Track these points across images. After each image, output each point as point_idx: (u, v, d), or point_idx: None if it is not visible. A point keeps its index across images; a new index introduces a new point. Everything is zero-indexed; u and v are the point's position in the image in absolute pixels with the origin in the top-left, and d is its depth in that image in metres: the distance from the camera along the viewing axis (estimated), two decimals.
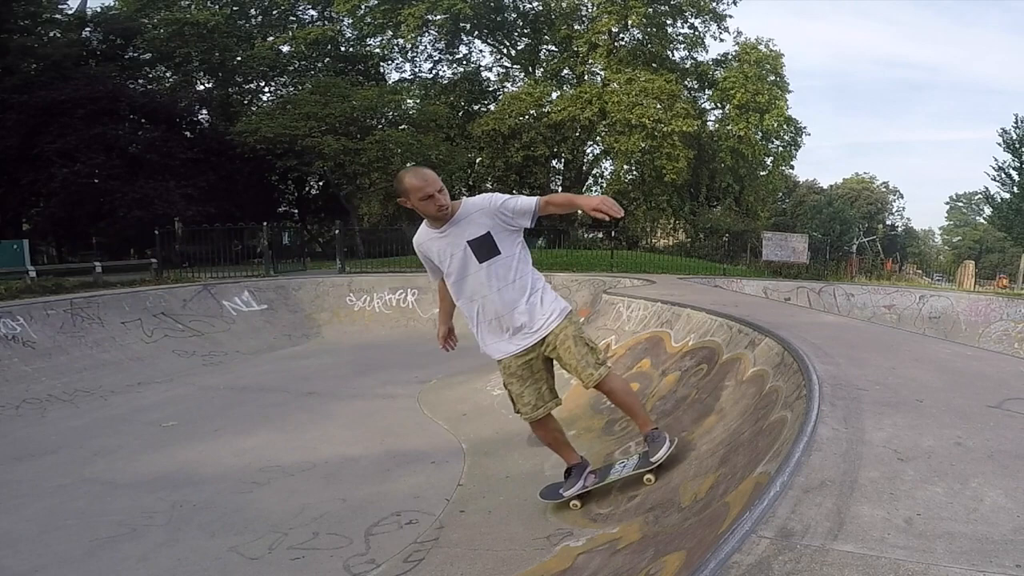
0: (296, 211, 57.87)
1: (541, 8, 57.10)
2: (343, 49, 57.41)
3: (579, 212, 66.01)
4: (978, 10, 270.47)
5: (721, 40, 65.65)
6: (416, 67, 60.65)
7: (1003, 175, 60.99)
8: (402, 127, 49.40)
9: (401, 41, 56.62)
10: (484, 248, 6.44)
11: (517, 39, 60.04)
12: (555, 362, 7.07)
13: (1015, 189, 60.01)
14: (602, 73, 54.43)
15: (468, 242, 6.42)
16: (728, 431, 7.27)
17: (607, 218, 6.03)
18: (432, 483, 9.18)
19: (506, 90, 59.56)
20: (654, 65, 53.84)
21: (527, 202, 6.47)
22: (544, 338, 6.74)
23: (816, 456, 4.81)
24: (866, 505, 4.12)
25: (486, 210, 6.44)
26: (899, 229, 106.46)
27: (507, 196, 6.54)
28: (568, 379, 12.80)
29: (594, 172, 65.24)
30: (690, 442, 7.88)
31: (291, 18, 56.39)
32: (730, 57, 57.45)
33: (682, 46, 57.73)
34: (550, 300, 6.82)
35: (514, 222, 6.51)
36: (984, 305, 25.19)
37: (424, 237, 6.70)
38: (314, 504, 8.52)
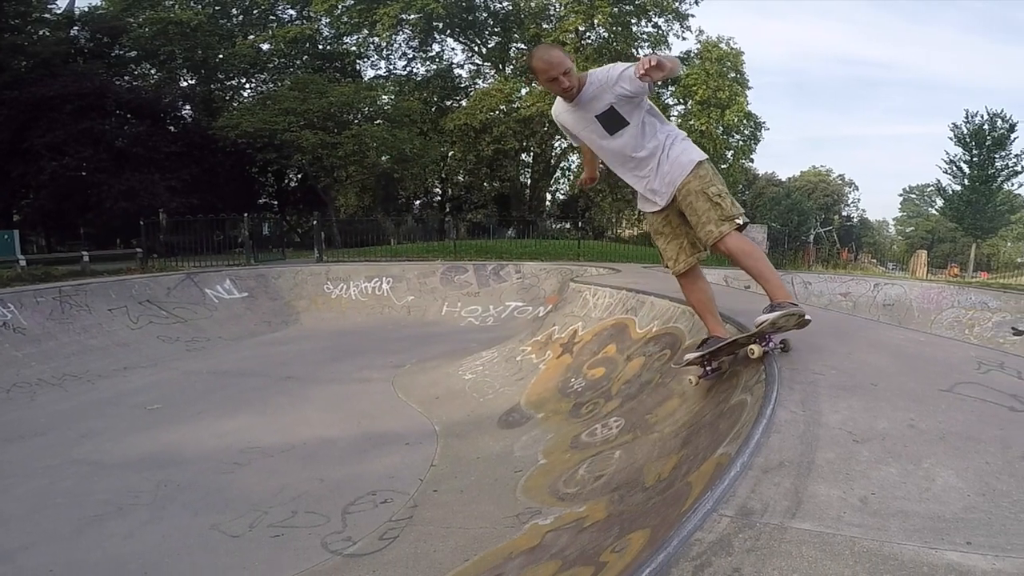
0: (275, 202, 57.72)
1: (511, 8, 57.06)
2: (321, 47, 57.34)
3: (547, 204, 66.19)
4: (932, 9, 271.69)
5: (683, 38, 65.74)
6: (391, 64, 60.56)
7: (954, 168, 61.79)
8: (377, 122, 49.69)
9: (376, 39, 56.38)
10: (611, 121, 6.33)
11: (488, 37, 59.90)
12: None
13: (966, 182, 60.73)
14: None
15: (596, 116, 6.33)
16: (690, 414, 7.30)
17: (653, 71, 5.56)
18: (406, 464, 9.21)
19: (477, 86, 59.49)
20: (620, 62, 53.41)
21: (630, 70, 6.05)
22: (674, 196, 6.44)
23: (775, 438, 4.84)
24: (823, 485, 4.16)
25: (605, 85, 6.22)
26: (854, 220, 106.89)
27: (625, 66, 6.16)
28: (536, 364, 12.91)
29: (562, 165, 65.37)
30: (654, 424, 7.90)
31: (271, 17, 56.22)
32: (692, 55, 57.49)
33: (646, 44, 57.70)
34: (675, 155, 6.41)
35: (632, 89, 6.13)
36: (936, 293, 25.29)
37: (559, 109, 6.70)
38: (293, 484, 8.55)
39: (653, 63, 5.51)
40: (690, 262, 6.73)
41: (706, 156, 6.53)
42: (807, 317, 6.64)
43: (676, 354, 9.71)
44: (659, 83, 6.55)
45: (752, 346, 6.60)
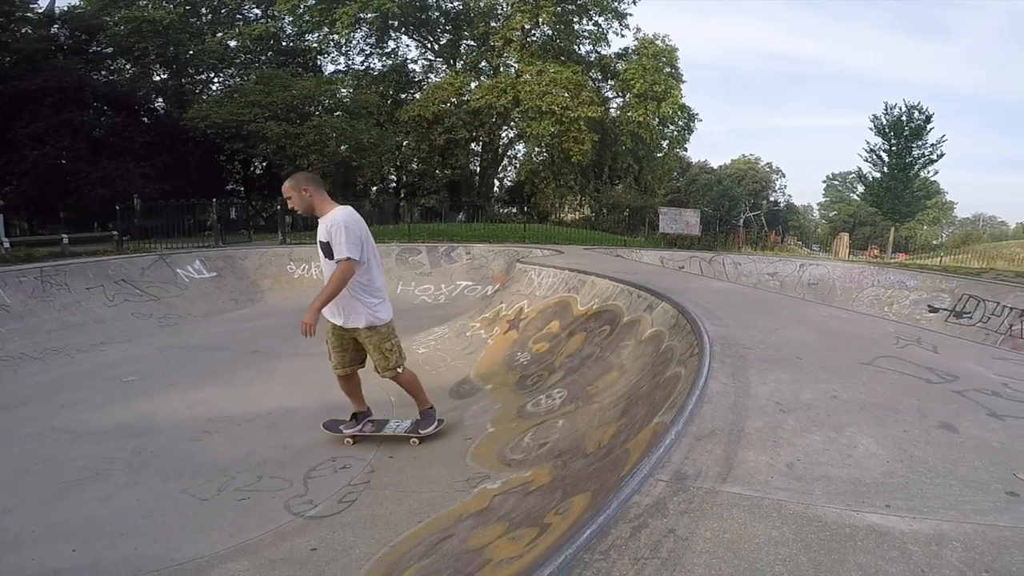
0: (242, 188, 57.40)
1: (461, 7, 57.24)
2: (284, 44, 57.20)
3: (496, 190, 66.61)
4: (854, 9, 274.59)
5: (622, 36, 66.46)
6: (349, 60, 60.62)
7: (874, 157, 62.33)
8: (337, 113, 49.74)
9: (336, 37, 56.38)
10: (325, 250, 7.87)
11: (440, 35, 60.07)
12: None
13: (885, 169, 61.37)
14: (516, 65, 54.58)
15: (319, 240, 7.90)
16: (628, 385, 7.30)
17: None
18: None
19: (430, 80, 59.70)
20: (562, 58, 54.28)
21: (339, 252, 7.61)
22: (349, 329, 8.17)
23: (707, 408, 4.83)
24: (752, 451, 4.15)
25: (326, 229, 7.80)
26: (781, 205, 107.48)
27: (339, 233, 7.62)
28: (485, 339, 12.87)
29: (508, 154, 65.67)
30: (594, 395, 7.90)
31: (237, 16, 56.10)
32: (630, 51, 58.06)
33: (587, 41, 58.37)
34: (364, 308, 8.05)
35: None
36: (857, 273, 25.51)
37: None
38: (258, 451, 8.56)
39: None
40: (346, 371, 8.46)
41: (390, 317, 8.28)
42: (430, 431, 8.62)
43: (615, 329, 9.72)
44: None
45: (414, 439, 8.59)
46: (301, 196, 7.77)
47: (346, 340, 8.27)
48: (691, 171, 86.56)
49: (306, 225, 39.10)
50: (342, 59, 60.70)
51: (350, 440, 8.54)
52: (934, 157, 61.10)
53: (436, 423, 8.65)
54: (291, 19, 55.33)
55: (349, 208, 8.08)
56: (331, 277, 7.53)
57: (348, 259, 7.51)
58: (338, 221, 7.64)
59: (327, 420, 8.98)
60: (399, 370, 8.34)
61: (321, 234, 7.78)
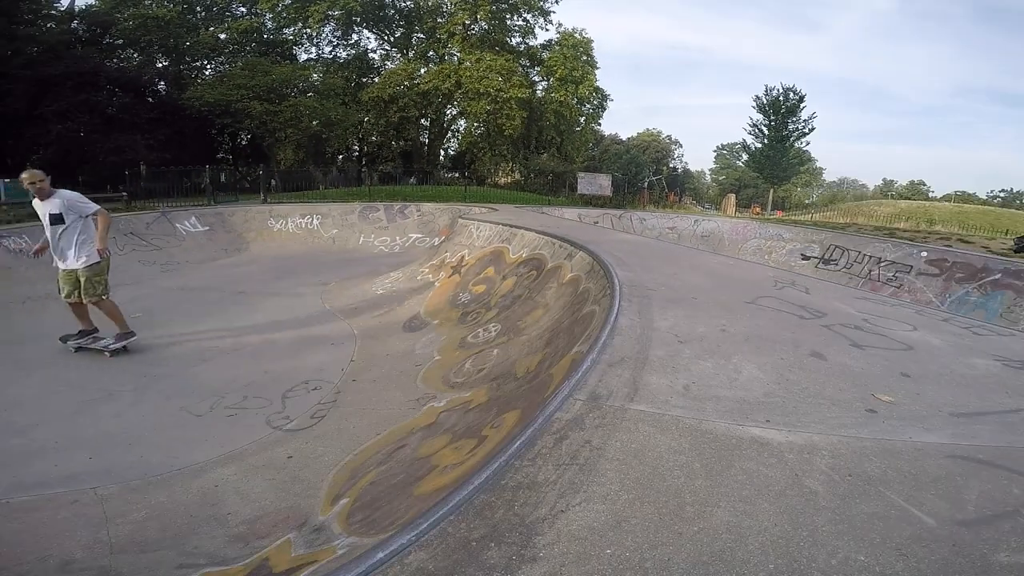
0: (230, 157, 56.88)
1: (413, 6, 57.28)
2: (265, 36, 56.99)
3: (441, 158, 66.51)
4: (738, 6, 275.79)
5: (547, 30, 67.17)
6: (320, 50, 60.32)
7: (757, 130, 63.34)
8: (309, 95, 50.42)
9: (309, 31, 56.20)
10: (55, 218, 9.12)
11: (395, 29, 59.78)
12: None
13: (765, 141, 62.26)
14: (458, 54, 54.39)
15: (50, 213, 9.13)
16: (552, 320, 7.28)
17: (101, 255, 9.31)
18: (332, 359, 9.28)
19: (387, 67, 59.43)
20: (497, 48, 54.24)
21: (94, 206, 9.41)
22: (73, 270, 9.32)
23: (618, 339, 4.81)
24: (654, 376, 4.14)
25: (62, 202, 9.15)
26: (679, 171, 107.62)
27: (80, 200, 9.36)
28: (432, 282, 12.82)
29: (452, 128, 65.47)
30: (523, 329, 7.89)
31: (227, 13, 55.81)
32: (553, 42, 58.20)
33: (518, 34, 58.26)
34: (87, 250, 9.31)
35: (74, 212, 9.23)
36: (743, 227, 25.61)
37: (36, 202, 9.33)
38: (244, 375, 8.60)
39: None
40: (75, 299, 9.44)
41: (102, 259, 9.49)
42: (117, 345, 9.53)
43: (541, 274, 9.70)
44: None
45: (107, 353, 9.38)
46: (41, 184, 9.15)
47: (73, 277, 9.32)
48: (604, 142, 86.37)
49: (283, 187, 39.72)
50: (313, 49, 60.67)
51: (72, 349, 9.49)
52: (806, 131, 62.26)
53: (128, 341, 9.68)
54: (271, 15, 55.19)
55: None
56: (101, 223, 9.39)
57: (99, 208, 9.41)
58: (73, 194, 9.39)
59: (62, 335, 9.80)
60: (104, 298, 9.51)
61: (53, 208, 9.10)
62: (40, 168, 9.33)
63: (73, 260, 9.25)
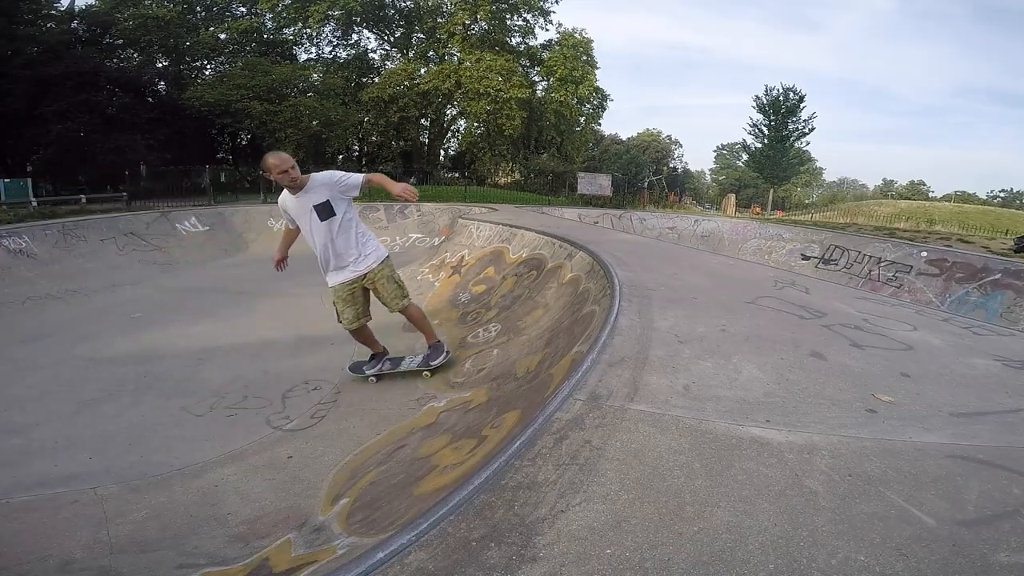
0: (230, 157, 57.05)
1: (413, 6, 57.47)
2: (265, 36, 57.18)
3: (441, 158, 66.57)
4: (738, 6, 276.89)
5: (547, 30, 67.34)
6: (320, 50, 60.55)
7: (757, 130, 63.44)
8: (309, 95, 50.39)
9: (308, 31, 56.50)
10: (325, 210, 7.05)
11: (395, 29, 59.93)
12: (371, 292, 7.67)
13: (765, 141, 62.33)
14: (458, 54, 54.46)
15: (314, 206, 7.00)
16: (552, 320, 7.29)
17: (410, 200, 6.77)
18: (332, 359, 9.25)
19: (387, 67, 59.56)
20: (497, 48, 54.38)
21: (356, 179, 7.14)
22: (364, 274, 7.47)
23: (618, 339, 4.81)
24: (654, 376, 4.14)
25: (327, 184, 7.02)
26: (679, 170, 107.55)
27: (342, 174, 7.14)
28: (432, 282, 12.81)
29: (452, 128, 65.57)
30: (523, 329, 7.90)
31: (227, 13, 55.96)
32: (553, 43, 58.37)
33: (518, 34, 58.40)
34: (371, 248, 7.50)
35: (346, 194, 7.14)
36: (742, 227, 25.62)
37: (285, 198, 7.26)
38: (244, 375, 8.60)
39: (408, 192, 6.71)
40: (357, 324, 7.68)
41: (388, 253, 7.76)
42: (439, 362, 7.92)
43: (541, 274, 9.71)
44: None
45: (426, 372, 7.92)
46: (289, 174, 6.78)
47: (356, 292, 7.55)
48: (604, 142, 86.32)
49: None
50: (313, 49, 60.92)
51: (374, 379, 7.99)
52: (806, 131, 62.39)
53: (444, 354, 7.94)
54: (271, 15, 55.46)
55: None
56: (378, 177, 7.10)
57: (362, 175, 7.27)
58: (329, 173, 7.19)
59: (351, 363, 8.49)
60: (408, 300, 7.70)
61: (318, 198, 7.01)
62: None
63: (361, 262, 7.45)
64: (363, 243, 7.46)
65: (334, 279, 7.57)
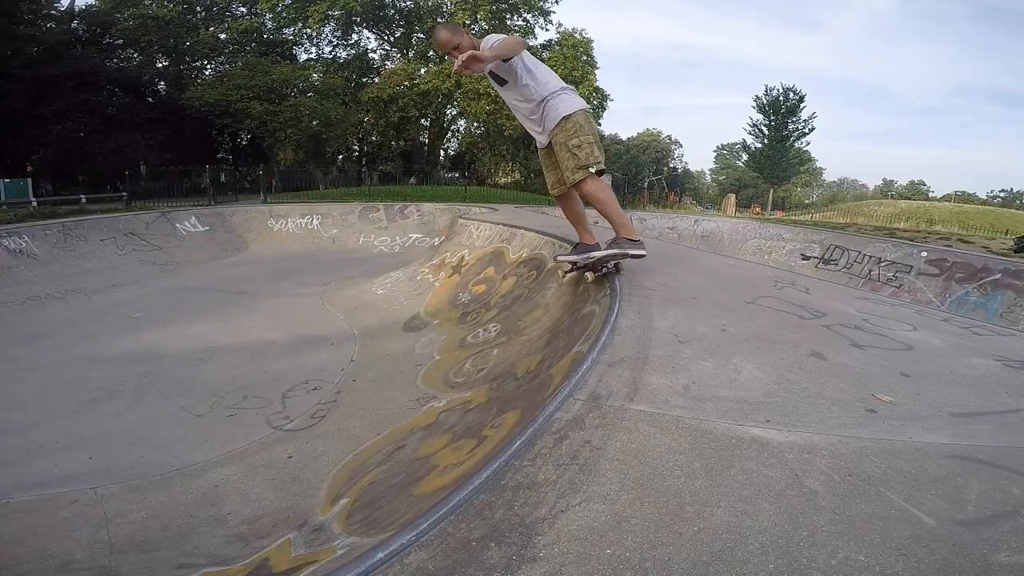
0: (230, 157, 57.53)
1: (413, 5, 58.14)
2: (265, 36, 57.97)
3: (441, 158, 66.69)
4: (738, 6, 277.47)
5: (547, 30, 67.12)
6: (320, 50, 61.43)
7: (756, 130, 63.88)
8: (309, 95, 51.01)
9: (308, 31, 57.49)
10: (495, 78, 6.35)
11: (395, 29, 60.50)
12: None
13: (765, 141, 62.53)
14: None
15: (488, 73, 6.24)
16: (552, 320, 7.28)
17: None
18: (332, 359, 9.30)
19: (387, 67, 59.99)
20: None
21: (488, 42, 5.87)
22: (550, 141, 6.44)
23: (617, 339, 4.81)
24: (654, 376, 4.14)
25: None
26: (679, 170, 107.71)
27: (492, 40, 5.88)
28: (432, 282, 12.85)
29: (452, 128, 66.23)
30: (523, 329, 7.90)
31: (227, 13, 56.77)
32: (553, 42, 59.05)
33: (518, 34, 58.17)
34: (551, 108, 6.30)
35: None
36: (743, 227, 25.61)
37: None
38: (244, 375, 8.67)
39: (464, 60, 5.36)
40: (562, 189, 6.66)
41: (578, 108, 6.33)
42: (640, 252, 6.54)
43: (541, 274, 9.71)
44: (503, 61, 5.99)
45: (587, 273, 7.09)
46: (466, 39, 6.08)
47: (551, 157, 6.60)
48: (604, 142, 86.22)
49: (283, 187, 40.95)
50: (313, 49, 61.76)
51: (562, 274, 7.34)
52: (806, 131, 62.91)
53: (638, 244, 6.58)
54: (271, 15, 56.08)
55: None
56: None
57: (513, 37, 6.09)
58: (493, 35, 6.02)
59: (557, 254, 7.83)
60: (592, 169, 6.28)
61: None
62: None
63: (545, 123, 6.44)
64: (546, 101, 6.37)
65: (538, 141, 6.83)
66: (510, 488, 2.87)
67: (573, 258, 7.26)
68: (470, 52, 5.39)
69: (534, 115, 6.41)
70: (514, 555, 2.39)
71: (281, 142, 49.83)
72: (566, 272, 7.48)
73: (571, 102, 6.36)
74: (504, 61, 6.02)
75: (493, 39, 5.88)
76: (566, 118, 6.24)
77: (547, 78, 6.41)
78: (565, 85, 6.48)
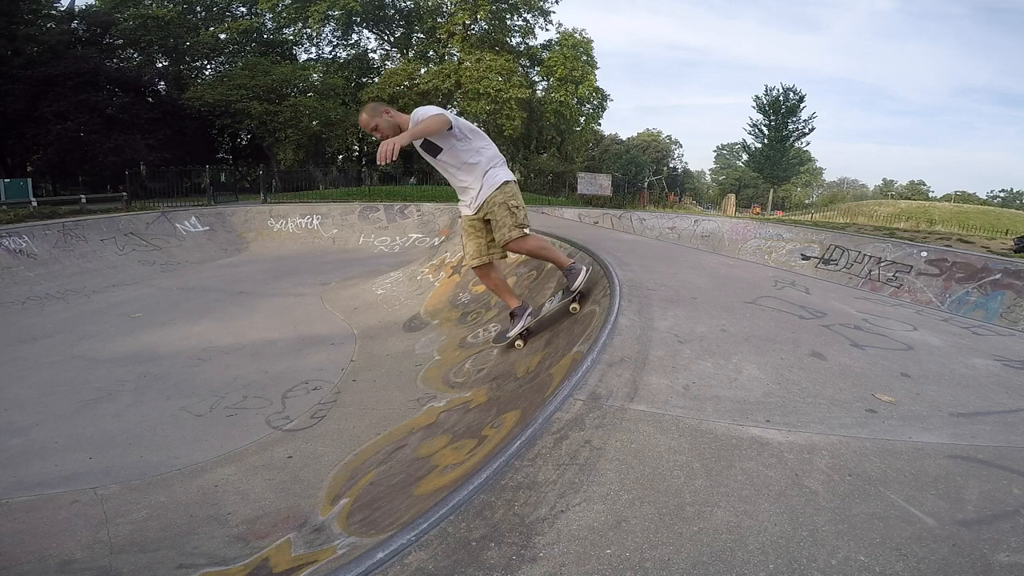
0: (230, 157, 57.66)
1: (413, 6, 57.84)
2: (265, 36, 57.90)
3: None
4: (738, 6, 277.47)
5: (547, 30, 67.28)
6: (320, 50, 61.20)
7: (756, 130, 63.67)
8: (309, 95, 51.22)
9: (309, 31, 57.09)
10: (428, 149, 6.29)
11: (395, 29, 60.28)
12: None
13: (765, 141, 62.47)
14: (458, 54, 54.64)
15: (419, 146, 6.23)
16: (552, 321, 7.28)
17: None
18: (332, 359, 9.30)
19: (387, 67, 59.84)
20: (497, 48, 54.48)
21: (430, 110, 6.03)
22: (481, 205, 6.45)
23: (617, 339, 4.81)
24: (654, 376, 4.14)
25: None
26: (679, 170, 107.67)
27: (419, 115, 6.00)
28: (432, 282, 12.82)
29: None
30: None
31: (227, 13, 56.68)
32: (553, 42, 58.65)
33: (517, 34, 58.55)
34: (493, 174, 6.46)
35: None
36: (742, 227, 25.61)
37: None
38: (244, 375, 8.66)
39: (384, 152, 5.34)
40: (482, 260, 6.76)
41: (513, 179, 6.62)
42: (582, 275, 6.80)
43: (540, 274, 9.70)
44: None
45: (573, 304, 6.87)
46: (384, 119, 6.18)
47: (479, 223, 6.67)
48: (604, 142, 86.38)
49: (283, 187, 40.78)
50: (313, 49, 61.55)
51: (520, 343, 6.95)
52: (806, 131, 62.66)
53: (584, 270, 6.89)
54: (271, 16, 55.87)
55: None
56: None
57: (438, 114, 5.95)
58: (421, 108, 6.14)
59: (495, 335, 7.42)
60: (526, 231, 6.43)
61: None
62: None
63: (483, 190, 6.54)
64: (479, 171, 6.52)
65: (463, 210, 6.85)
66: (510, 488, 2.87)
67: (520, 327, 7.07)
68: (391, 144, 5.36)
69: (466, 180, 6.46)
70: (514, 555, 2.39)
71: (281, 142, 49.98)
72: (515, 340, 7.07)
73: (507, 171, 6.63)
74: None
75: (420, 114, 6.00)
76: (506, 183, 6.47)
77: (485, 145, 6.54)
78: (500, 154, 6.66)
